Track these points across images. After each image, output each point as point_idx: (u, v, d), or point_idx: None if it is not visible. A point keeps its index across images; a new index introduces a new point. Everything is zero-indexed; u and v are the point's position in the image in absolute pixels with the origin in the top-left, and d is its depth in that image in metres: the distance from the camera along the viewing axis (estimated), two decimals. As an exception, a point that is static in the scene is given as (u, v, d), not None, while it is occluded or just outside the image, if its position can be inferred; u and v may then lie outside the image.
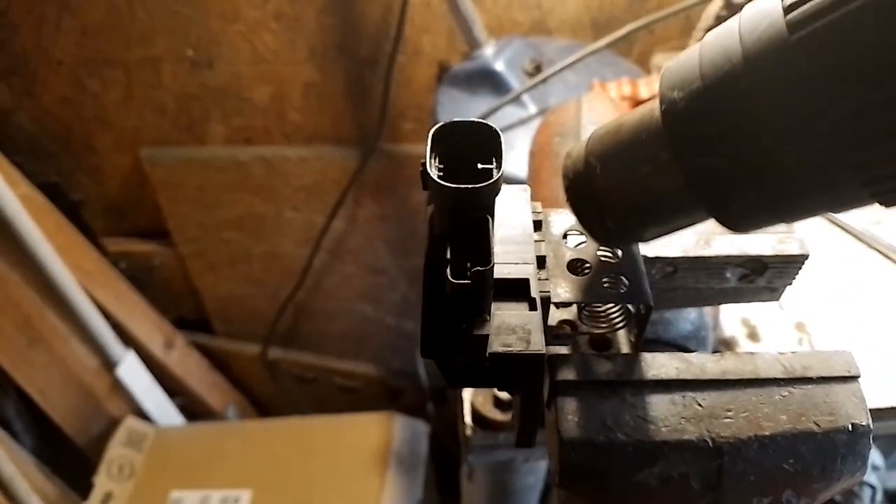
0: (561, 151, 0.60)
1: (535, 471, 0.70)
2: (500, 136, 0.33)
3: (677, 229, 0.34)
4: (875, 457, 0.82)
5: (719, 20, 0.80)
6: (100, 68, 1.16)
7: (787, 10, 0.25)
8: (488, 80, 0.89)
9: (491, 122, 0.87)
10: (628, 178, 0.32)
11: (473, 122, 0.34)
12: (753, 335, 0.67)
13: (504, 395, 0.59)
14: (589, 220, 0.35)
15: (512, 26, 1.03)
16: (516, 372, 0.33)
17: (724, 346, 0.66)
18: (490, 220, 0.32)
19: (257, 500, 1.21)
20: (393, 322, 1.47)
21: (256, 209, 1.33)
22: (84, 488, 1.25)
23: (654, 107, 0.31)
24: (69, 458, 1.31)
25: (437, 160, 0.33)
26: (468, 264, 0.32)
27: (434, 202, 0.34)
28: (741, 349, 0.66)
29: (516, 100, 0.85)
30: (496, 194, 0.32)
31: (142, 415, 1.37)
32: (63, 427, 1.27)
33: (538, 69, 0.88)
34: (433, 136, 0.33)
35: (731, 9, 0.78)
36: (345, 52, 1.10)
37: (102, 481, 1.25)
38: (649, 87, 0.80)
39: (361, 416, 1.32)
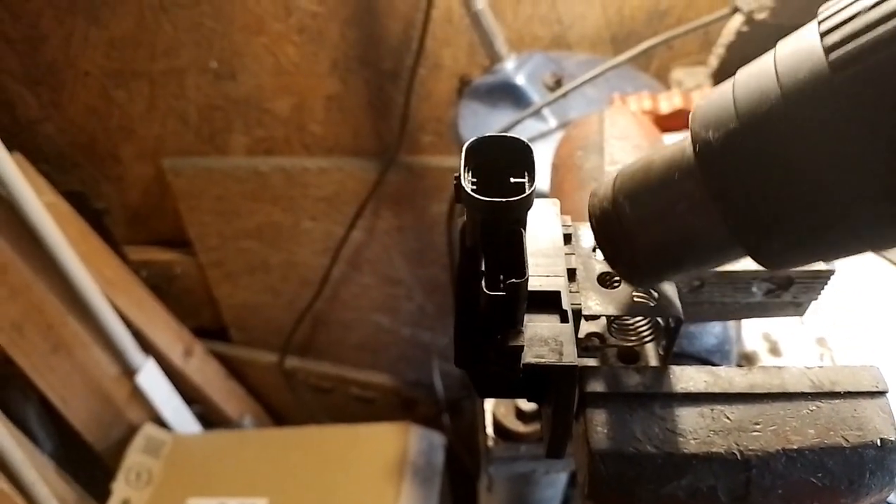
0: (584, 165, 0.60)
1: (554, 483, 0.70)
2: (532, 151, 0.34)
3: (710, 268, 0.34)
4: (895, 474, 0.82)
5: (740, 36, 0.81)
6: (126, 79, 1.19)
7: (829, 49, 0.24)
8: (509, 94, 0.90)
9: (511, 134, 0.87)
10: (661, 218, 0.32)
11: (506, 136, 0.34)
12: (775, 350, 0.67)
13: (526, 406, 0.59)
14: (618, 260, 0.35)
15: (532, 41, 1.04)
16: (548, 383, 0.33)
17: (746, 360, 0.66)
18: (523, 233, 0.33)
19: (274, 508, 1.22)
20: (409, 333, 1.48)
21: (275, 219, 1.34)
22: (102, 494, 1.26)
23: (686, 145, 0.30)
24: (88, 464, 1.32)
25: (470, 174, 0.34)
26: (501, 276, 0.33)
27: (467, 215, 0.35)
28: (762, 364, 0.66)
29: (537, 113, 0.85)
30: (529, 208, 0.33)
31: (160, 422, 1.38)
32: (83, 433, 1.29)
33: (559, 83, 0.89)
34: (467, 150, 0.34)
35: (753, 25, 0.79)
36: (366, 65, 1.12)
37: (121, 488, 1.26)
38: (669, 101, 0.81)
39: (378, 426, 1.32)
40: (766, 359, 0.66)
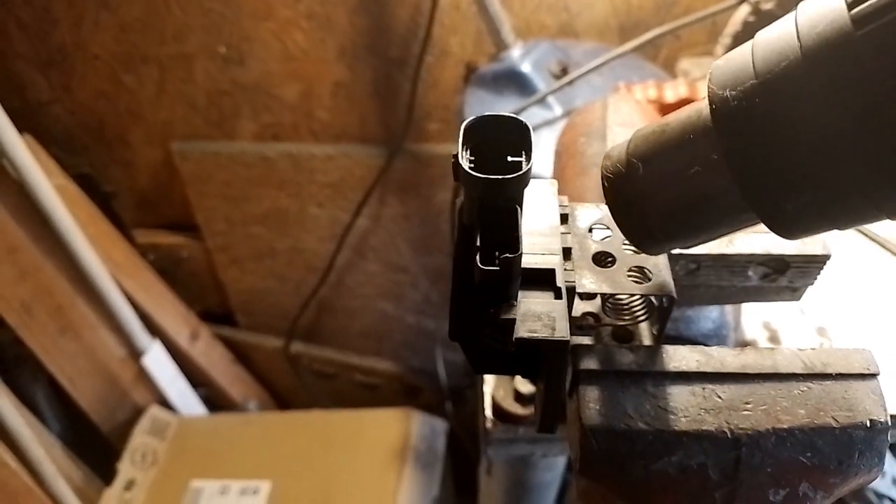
0: (586, 151, 0.61)
1: (552, 467, 0.71)
2: (530, 130, 0.34)
3: (721, 235, 0.33)
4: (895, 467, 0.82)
5: (747, 26, 0.80)
6: (135, 64, 1.19)
7: (852, 4, 0.24)
8: (515, 82, 0.90)
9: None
10: (674, 180, 0.31)
11: (504, 116, 0.35)
12: (774, 339, 0.67)
13: (525, 388, 0.60)
14: (629, 223, 0.34)
15: (539, 29, 1.04)
16: (541, 358, 0.34)
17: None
18: (519, 210, 0.33)
19: (276, 491, 1.23)
20: (413, 320, 1.48)
21: (282, 205, 1.35)
22: (108, 474, 1.28)
23: (703, 106, 0.30)
24: (94, 444, 1.34)
25: (468, 153, 0.34)
26: (496, 252, 0.33)
27: (464, 193, 0.35)
28: (761, 352, 0.66)
29: (542, 101, 0.86)
30: (525, 186, 0.33)
31: (165, 404, 1.39)
32: (89, 413, 1.30)
33: (564, 71, 0.89)
34: (465, 129, 0.34)
35: (759, 14, 0.79)
36: (374, 52, 1.12)
37: (126, 468, 1.28)
38: (675, 90, 0.81)
39: (381, 411, 1.33)
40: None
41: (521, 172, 0.32)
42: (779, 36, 0.27)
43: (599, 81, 0.87)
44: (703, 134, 0.29)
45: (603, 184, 0.35)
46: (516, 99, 0.88)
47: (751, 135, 0.27)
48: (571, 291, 0.35)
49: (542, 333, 0.32)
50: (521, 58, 0.91)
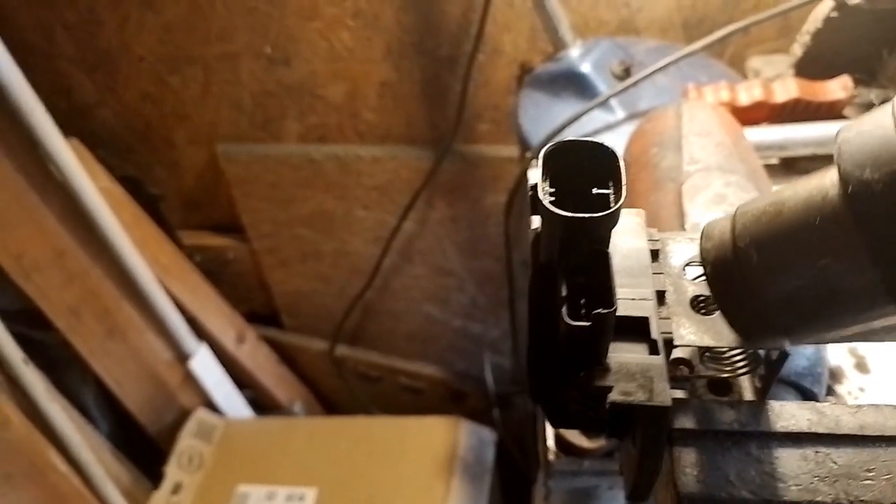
0: (660, 163, 0.56)
1: (617, 498, 0.67)
2: (618, 159, 0.30)
3: (854, 331, 0.29)
4: None
5: (829, 22, 0.74)
6: (180, 65, 1.18)
7: None
8: (574, 83, 0.85)
9: (576, 127, 0.81)
10: (797, 270, 0.28)
11: (588, 142, 0.31)
12: (861, 366, 0.62)
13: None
14: (740, 316, 0.30)
15: (598, 26, 0.99)
16: (634, 421, 0.30)
17: (829, 376, 0.61)
18: (609, 254, 0.29)
19: (322, 498, 1.21)
20: (460, 324, 1.45)
21: (328, 207, 1.32)
22: (156, 476, 1.28)
23: (827, 184, 0.26)
24: (142, 445, 1.34)
25: (548, 184, 0.30)
26: (582, 301, 0.29)
27: (543, 229, 0.31)
28: (848, 380, 0.61)
29: (603, 104, 0.81)
30: (614, 225, 0.29)
31: (212, 407, 1.39)
32: (136, 416, 1.30)
33: (627, 72, 0.84)
34: (545, 157, 0.30)
35: (844, 10, 0.72)
36: (422, 51, 1.08)
37: (173, 471, 1.28)
38: (748, 92, 0.75)
39: (427, 419, 1.30)
40: (851, 375, 0.61)
41: (611, 210, 0.28)
42: None
43: (665, 82, 0.82)
44: (833, 220, 0.26)
45: (703, 268, 0.32)
46: (575, 102, 0.83)
47: None
48: (668, 343, 0.31)
49: (639, 397, 0.28)
50: (580, 58, 0.86)
